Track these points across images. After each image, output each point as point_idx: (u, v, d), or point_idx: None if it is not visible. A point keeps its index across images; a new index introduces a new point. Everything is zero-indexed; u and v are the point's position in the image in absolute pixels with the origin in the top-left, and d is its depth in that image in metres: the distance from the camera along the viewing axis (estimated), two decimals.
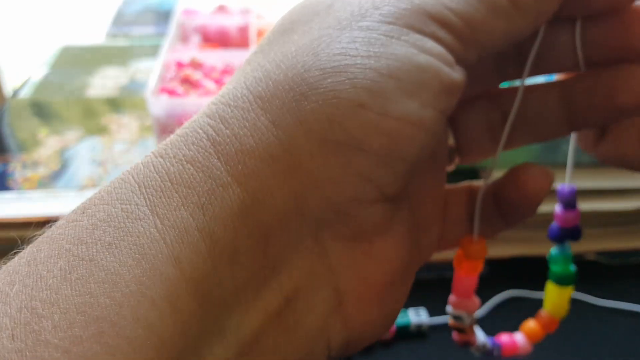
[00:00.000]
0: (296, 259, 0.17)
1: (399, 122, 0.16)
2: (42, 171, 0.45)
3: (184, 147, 0.16)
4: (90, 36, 0.72)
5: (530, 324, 0.31)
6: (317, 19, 0.18)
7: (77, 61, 0.66)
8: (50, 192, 0.42)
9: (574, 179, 0.43)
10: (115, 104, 0.56)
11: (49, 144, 0.49)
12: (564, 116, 0.21)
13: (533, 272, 0.41)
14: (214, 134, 0.16)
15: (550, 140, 0.22)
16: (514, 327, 0.37)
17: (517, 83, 0.21)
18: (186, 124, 0.17)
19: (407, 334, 0.35)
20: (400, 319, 0.36)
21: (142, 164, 0.16)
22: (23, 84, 0.62)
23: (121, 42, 0.71)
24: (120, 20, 0.77)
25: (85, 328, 0.13)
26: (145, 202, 0.15)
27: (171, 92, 0.44)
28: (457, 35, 0.17)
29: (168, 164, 0.16)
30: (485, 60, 0.21)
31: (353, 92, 0.16)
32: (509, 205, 0.21)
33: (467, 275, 0.23)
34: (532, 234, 0.43)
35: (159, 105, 0.42)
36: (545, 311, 0.31)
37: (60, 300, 0.14)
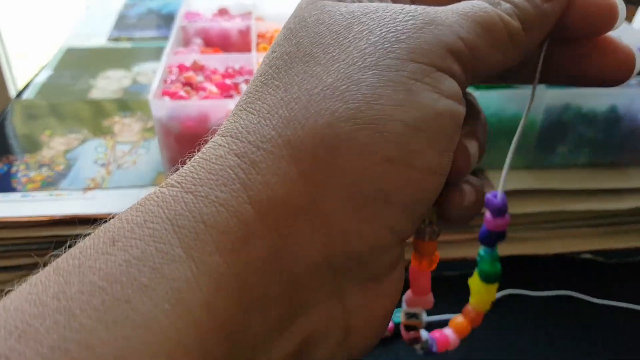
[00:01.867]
0: (317, 304, 0.18)
1: (423, 173, 0.17)
2: (46, 172, 0.45)
3: (216, 188, 0.16)
4: (93, 39, 0.73)
5: (458, 319, 0.32)
6: (338, 46, 0.18)
7: (80, 63, 0.66)
8: (54, 192, 0.42)
9: (571, 180, 0.43)
10: (118, 106, 0.57)
11: (53, 145, 0.50)
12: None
13: (529, 271, 0.42)
14: (244, 177, 0.16)
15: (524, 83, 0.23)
16: (510, 325, 0.38)
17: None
18: (211, 156, 0.17)
19: None
20: (399, 317, 0.37)
21: (170, 197, 0.16)
22: (27, 85, 0.62)
23: (124, 45, 0.71)
24: (122, 24, 0.77)
25: None
26: (179, 243, 0.15)
27: (173, 95, 0.44)
28: (464, 66, 0.18)
29: (201, 204, 0.16)
30: None
31: (383, 147, 0.16)
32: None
33: (422, 270, 0.23)
34: (529, 233, 0.43)
35: (161, 107, 0.42)
36: (470, 306, 0.32)
37: (96, 345, 0.13)
